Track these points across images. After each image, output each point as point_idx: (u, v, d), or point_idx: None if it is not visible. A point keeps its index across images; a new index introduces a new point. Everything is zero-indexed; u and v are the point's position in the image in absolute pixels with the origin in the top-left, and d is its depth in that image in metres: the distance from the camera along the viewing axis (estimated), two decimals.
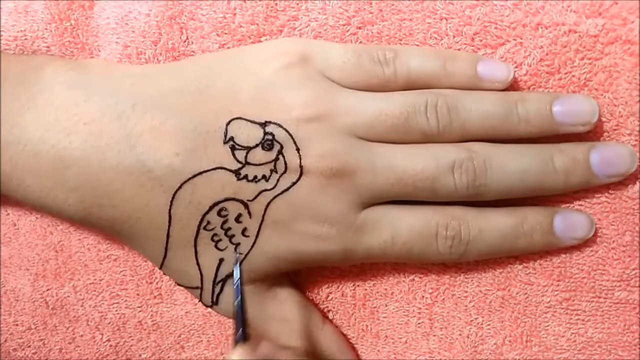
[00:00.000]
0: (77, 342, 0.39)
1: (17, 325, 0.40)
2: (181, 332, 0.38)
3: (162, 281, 0.38)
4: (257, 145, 0.30)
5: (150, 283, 0.38)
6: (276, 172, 0.30)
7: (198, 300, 0.33)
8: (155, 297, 0.38)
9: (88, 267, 0.38)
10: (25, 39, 0.36)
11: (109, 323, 0.38)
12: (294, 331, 0.33)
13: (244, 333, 0.29)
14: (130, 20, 0.35)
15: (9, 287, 0.39)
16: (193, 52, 0.35)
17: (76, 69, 0.32)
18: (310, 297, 0.36)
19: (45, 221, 0.38)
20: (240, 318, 0.30)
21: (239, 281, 0.31)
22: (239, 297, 0.30)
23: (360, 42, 0.33)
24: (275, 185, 0.30)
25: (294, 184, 0.30)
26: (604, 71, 0.31)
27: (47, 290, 0.39)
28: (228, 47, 0.34)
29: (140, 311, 0.38)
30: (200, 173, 0.30)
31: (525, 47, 0.32)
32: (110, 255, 0.38)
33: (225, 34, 0.34)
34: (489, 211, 0.31)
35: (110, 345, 0.39)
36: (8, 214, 0.39)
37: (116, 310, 0.38)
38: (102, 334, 0.39)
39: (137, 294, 0.38)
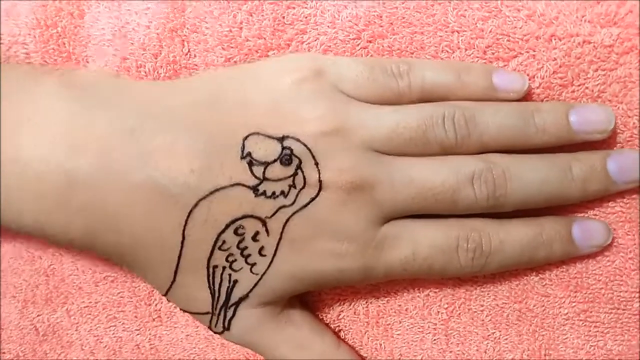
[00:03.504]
0: None
1: (4, 353, 0.38)
2: (180, 356, 0.36)
3: (162, 303, 0.36)
4: (275, 161, 0.29)
5: (149, 305, 0.36)
6: (295, 187, 0.29)
7: (207, 327, 0.32)
8: (154, 319, 0.36)
9: (82, 289, 0.37)
10: (1, 43, 0.34)
11: (105, 347, 0.37)
12: (310, 356, 0.32)
13: None
14: (128, 31, 0.34)
15: None
16: (196, 65, 0.34)
17: (80, 84, 0.31)
18: (321, 317, 0.35)
19: (33, 246, 0.37)
20: None
21: None
22: None
23: (371, 56, 0.33)
24: (294, 201, 0.29)
25: (313, 199, 0.29)
26: (618, 82, 0.31)
27: (38, 316, 0.37)
28: (234, 62, 0.34)
29: (138, 334, 0.37)
30: (217, 190, 0.29)
31: (538, 60, 0.32)
32: (106, 277, 0.36)
33: (232, 47, 0.33)
34: (508, 222, 0.31)
35: None
36: None
37: (113, 334, 0.37)
38: (97, 359, 0.37)
39: (135, 317, 0.36)
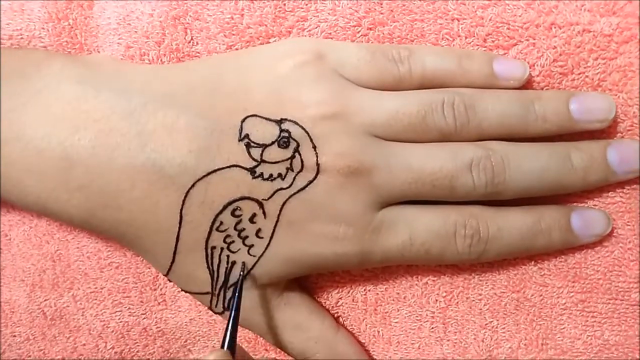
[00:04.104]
0: (79, 351, 0.38)
1: (14, 336, 0.38)
2: (187, 337, 0.37)
3: (166, 287, 0.37)
4: (272, 143, 0.29)
5: (154, 290, 0.37)
6: (292, 170, 0.29)
7: (207, 307, 0.32)
8: (159, 303, 0.37)
9: (88, 275, 0.37)
10: (22, 38, 0.35)
11: (112, 331, 0.37)
12: (309, 338, 0.32)
13: (233, 339, 0.29)
14: (132, 20, 0.35)
15: (3, 298, 0.38)
16: (198, 53, 0.34)
17: (85, 66, 0.32)
18: (320, 303, 0.35)
19: (41, 230, 0.37)
20: (233, 323, 0.29)
21: (240, 286, 0.30)
22: (235, 304, 0.30)
23: (372, 43, 0.33)
24: (291, 184, 0.29)
25: (310, 182, 0.29)
26: (618, 71, 0.31)
27: (45, 300, 0.38)
28: (236, 49, 0.34)
29: (144, 318, 0.37)
30: (214, 171, 0.29)
31: (538, 48, 0.32)
32: (111, 263, 0.37)
33: (233, 34, 0.34)
34: (506, 210, 0.31)
35: (116, 352, 0.37)
36: None
37: (119, 319, 0.37)
38: (106, 342, 0.37)
39: (141, 301, 0.37)
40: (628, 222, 0.32)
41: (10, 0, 0.35)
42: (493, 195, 0.30)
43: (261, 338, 0.35)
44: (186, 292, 0.32)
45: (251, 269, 0.31)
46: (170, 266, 0.31)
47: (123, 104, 0.30)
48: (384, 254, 0.30)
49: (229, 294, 0.31)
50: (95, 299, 0.37)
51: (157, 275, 0.36)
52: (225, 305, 0.32)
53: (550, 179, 0.30)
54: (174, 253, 0.31)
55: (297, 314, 0.32)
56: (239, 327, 0.33)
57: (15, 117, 0.30)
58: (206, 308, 0.34)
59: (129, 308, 0.37)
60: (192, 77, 0.31)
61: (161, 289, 0.37)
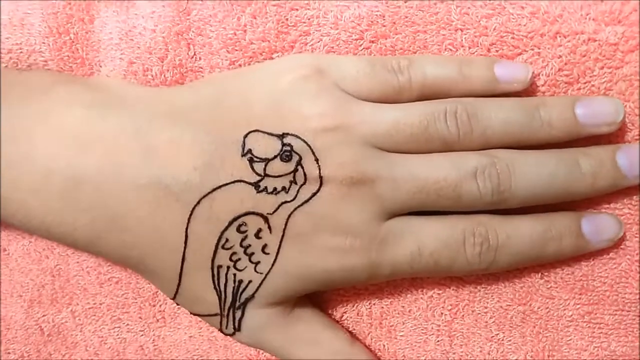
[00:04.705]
0: None
1: (8, 353, 0.38)
2: (184, 357, 0.36)
3: (166, 304, 0.36)
4: (275, 157, 0.29)
5: (154, 306, 0.36)
6: (296, 183, 0.29)
7: (218, 329, 0.32)
8: (158, 320, 0.36)
9: (87, 291, 0.37)
10: (21, 52, 0.35)
11: (109, 348, 0.37)
12: (324, 353, 0.32)
13: None
14: (135, 35, 0.35)
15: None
16: (201, 68, 0.34)
17: (90, 89, 0.32)
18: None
19: (40, 245, 0.37)
20: None
21: None
22: None
23: (373, 56, 0.33)
24: (296, 196, 0.29)
25: (314, 194, 0.29)
26: (624, 80, 0.31)
27: (43, 316, 0.37)
28: (239, 64, 0.34)
29: (142, 335, 0.37)
30: (219, 187, 0.29)
31: (543, 57, 0.31)
32: (111, 278, 0.36)
33: (236, 50, 0.34)
34: (515, 217, 0.31)
35: None
36: None
37: (117, 335, 0.37)
38: None
39: (140, 317, 0.36)
40: (636, 234, 0.31)
41: (9, 14, 0.35)
42: (499, 203, 0.30)
43: (263, 355, 0.35)
44: (195, 315, 0.32)
45: (258, 288, 0.30)
46: (177, 289, 0.31)
47: (128, 124, 0.30)
48: (393, 266, 0.30)
49: (239, 314, 0.31)
50: (94, 315, 0.37)
51: (157, 291, 0.36)
52: (236, 326, 0.31)
53: (558, 185, 0.30)
54: (180, 274, 0.30)
55: (311, 330, 0.32)
56: (243, 345, 0.33)
57: (23, 139, 0.30)
58: (207, 325, 0.34)
59: (127, 324, 0.37)
60: (195, 95, 0.31)
61: (160, 306, 0.36)
